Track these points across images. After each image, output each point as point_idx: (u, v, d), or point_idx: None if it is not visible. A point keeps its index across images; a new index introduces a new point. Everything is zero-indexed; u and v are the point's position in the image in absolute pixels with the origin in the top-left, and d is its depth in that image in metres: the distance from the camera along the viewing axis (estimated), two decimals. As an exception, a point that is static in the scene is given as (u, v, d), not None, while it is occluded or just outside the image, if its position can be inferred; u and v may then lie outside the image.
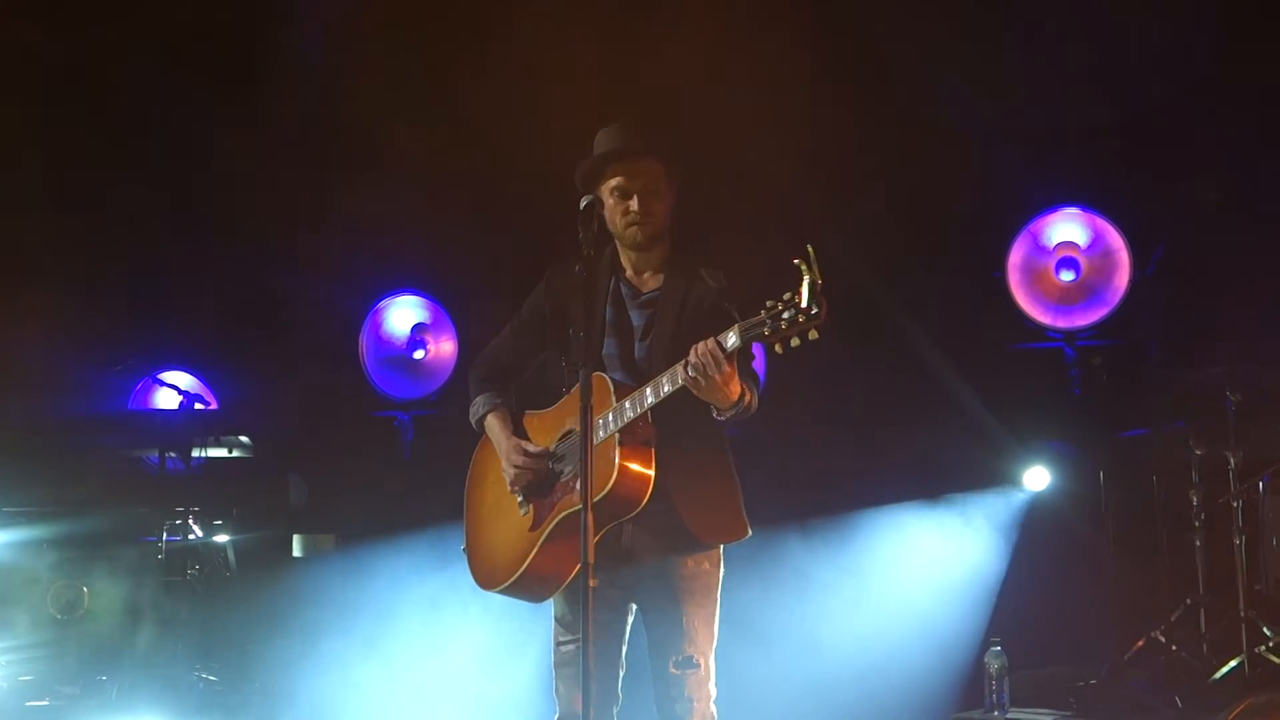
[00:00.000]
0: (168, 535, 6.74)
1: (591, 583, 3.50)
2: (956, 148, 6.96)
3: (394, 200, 7.39)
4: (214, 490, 7.03)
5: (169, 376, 7.30)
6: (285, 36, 7.35)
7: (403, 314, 7.63)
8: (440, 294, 7.63)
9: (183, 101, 7.37)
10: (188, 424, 6.89)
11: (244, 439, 7.18)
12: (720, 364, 3.63)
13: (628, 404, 3.79)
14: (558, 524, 3.89)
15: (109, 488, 6.90)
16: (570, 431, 3.96)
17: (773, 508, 6.46)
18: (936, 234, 7.06)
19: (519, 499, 4.02)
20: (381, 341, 7.61)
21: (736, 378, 3.71)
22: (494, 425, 4.11)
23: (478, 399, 4.17)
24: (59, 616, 6.53)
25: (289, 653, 6.45)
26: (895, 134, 6.97)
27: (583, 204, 3.91)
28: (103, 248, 7.64)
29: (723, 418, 3.79)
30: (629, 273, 4.07)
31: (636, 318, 4.01)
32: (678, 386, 3.72)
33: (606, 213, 3.99)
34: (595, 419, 3.82)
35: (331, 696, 6.19)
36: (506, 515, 4.05)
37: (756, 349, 4.06)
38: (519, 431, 4.08)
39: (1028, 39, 6.99)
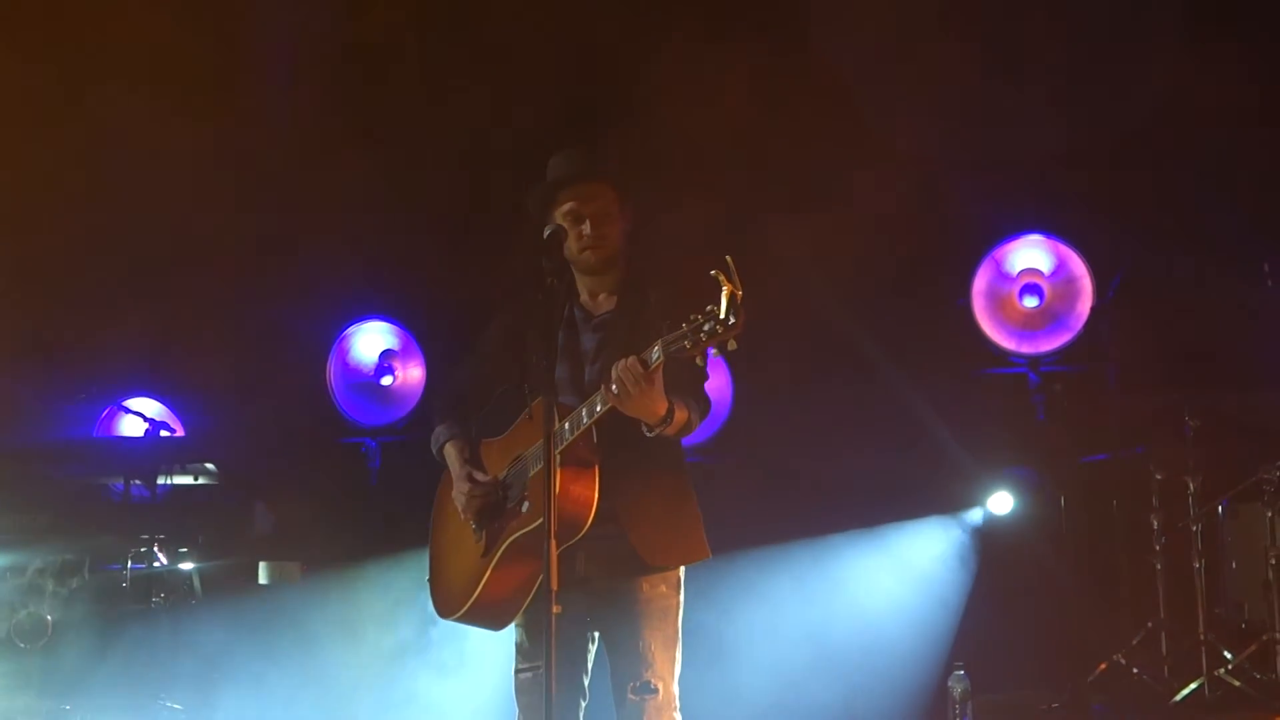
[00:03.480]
0: (133, 563, 6.69)
1: (556, 609, 3.52)
2: (920, 176, 7.02)
3: (361, 226, 7.41)
4: (179, 518, 6.99)
5: (134, 403, 7.28)
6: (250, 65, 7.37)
7: (371, 340, 7.64)
8: (408, 320, 7.63)
9: (153, 126, 7.37)
10: (153, 451, 6.87)
11: (210, 466, 7.16)
12: (638, 380, 3.63)
13: (567, 425, 3.81)
14: (507, 549, 3.90)
15: (74, 515, 6.86)
16: (519, 457, 3.99)
17: (737, 532, 6.51)
18: (901, 261, 7.11)
19: (472, 526, 4.04)
20: (349, 368, 7.61)
21: (660, 394, 3.70)
22: (451, 455, 4.13)
23: (437, 429, 4.19)
24: (23, 645, 6.47)
25: (255, 681, 6.42)
26: (859, 162, 7.03)
27: (546, 233, 3.96)
28: (68, 273, 7.60)
29: (651, 434, 3.78)
30: (583, 297, 4.10)
31: (588, 341, 4.03)
32: (609, 405, 3.73)
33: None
34: (540, 442, 3.85)
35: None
36: (464, 544, 4.07)
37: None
38: (475, 460, 4.10)
39: (990, 67, 7.07)
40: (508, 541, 3.90)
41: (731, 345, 3.52)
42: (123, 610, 6.63)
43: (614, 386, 3.66)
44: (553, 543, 3.54)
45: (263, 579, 7.09)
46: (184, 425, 7.45)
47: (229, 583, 7.05)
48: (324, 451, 7.57)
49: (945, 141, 7.01)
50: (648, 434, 3.78)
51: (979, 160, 7.07)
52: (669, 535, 3.96)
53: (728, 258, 3.48)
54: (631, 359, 3.64)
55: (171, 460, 6.89)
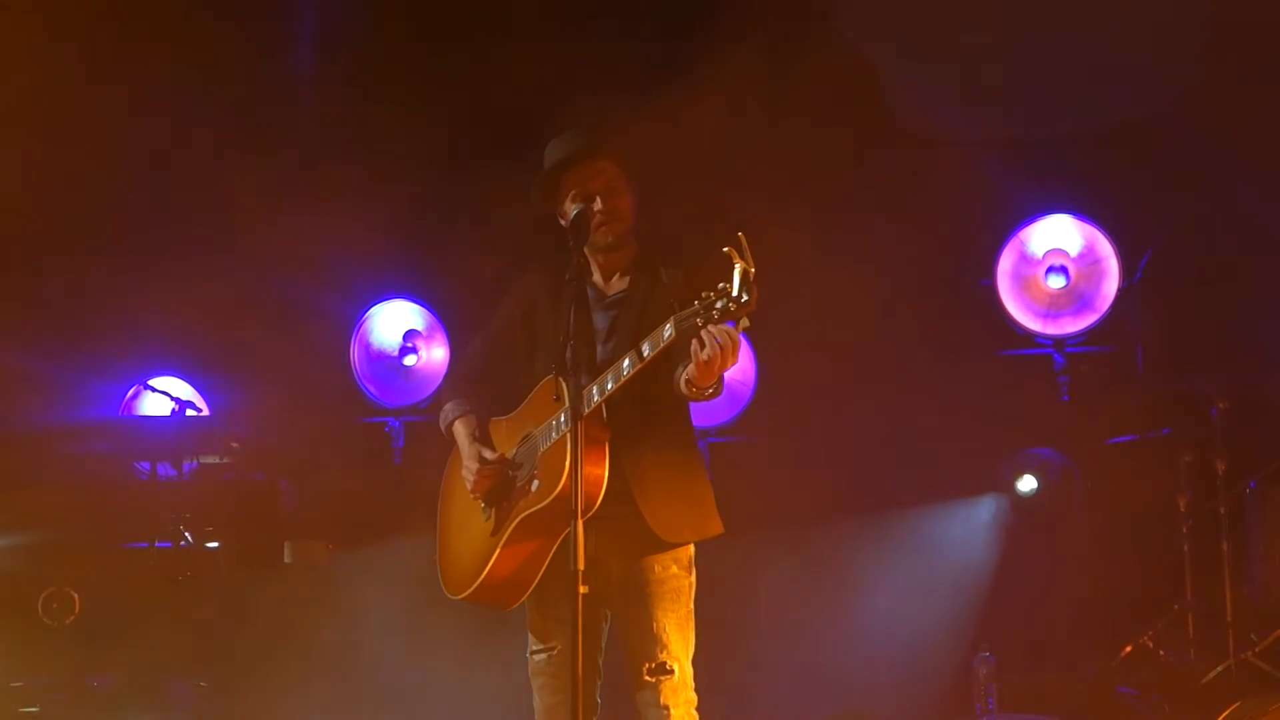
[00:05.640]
0: (158, 541, 6.74)
1: (583, 589, 3.52)
2: (946, 155, 6.98)
3: (386, 204, 7.41)
4: (205, 496, 7.03)
5: (160, 382, 7.31)
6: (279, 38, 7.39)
7: (394, 320, 7.63)
8: (432, 300, 7.63)
9: (179, 112, 7.39)
10: (179, 430, 6.90)
11: (235, 445, 7.18)
12: (736, 346, 3.54)
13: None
14: (516, 527, 3.90)
15: (100, 493, 6.90)
16: (528, 435, 3.98)
17: (759, 514, 6.52)
18: (926, 241, 7.08)
19: (481, 505, 4.04)
20: (373, 348, 7.61)
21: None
22: (460, 432, 4.13)
23: (446, 406, 4.19)
24: (49, 622, 6.52)
25: (279, 659, 6.46)
26: (884, 141, 7.00)
27: (573, 213, 3.96)
28: (93, 251, 7.62)
29: (698, 399, 3.74)
30: (595, 276, 4.09)
31: (601, 320, 4.03)
32: (620, 382, 3.71)
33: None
34: (549, 419, 3.87)
35: (322, 703, 6.20)
36: (472, 522, 4.07)
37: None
38: (484, 438, 4.10)
39: (1015, 46, 7.01)
40: (516, 520, 3.89)
41: (745, 323, 3.50)
42: (148, 588, 6.67)
43: (706, 352, 3.54)
44: (579, 522, 3.55)
45: (287, 558, 7.12)
46: (209, 404, 7.48)
47: (254, 561, 7.08)
48: (348, 431, 7.58)
49: (971, 120, 6.97)
50: (694, 398, 3.73)
51: (1005, 139, 7.02)
52: (683, 510, 3.96)
53: (740, 234, 3.46)
54: (723, 329, 3.54)
55: (197, 439, 6.93)
